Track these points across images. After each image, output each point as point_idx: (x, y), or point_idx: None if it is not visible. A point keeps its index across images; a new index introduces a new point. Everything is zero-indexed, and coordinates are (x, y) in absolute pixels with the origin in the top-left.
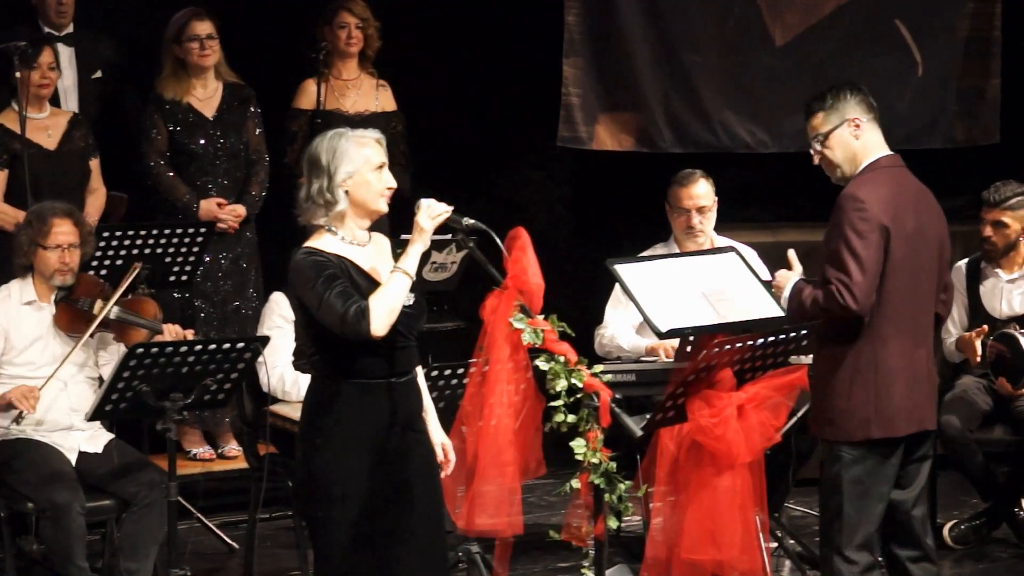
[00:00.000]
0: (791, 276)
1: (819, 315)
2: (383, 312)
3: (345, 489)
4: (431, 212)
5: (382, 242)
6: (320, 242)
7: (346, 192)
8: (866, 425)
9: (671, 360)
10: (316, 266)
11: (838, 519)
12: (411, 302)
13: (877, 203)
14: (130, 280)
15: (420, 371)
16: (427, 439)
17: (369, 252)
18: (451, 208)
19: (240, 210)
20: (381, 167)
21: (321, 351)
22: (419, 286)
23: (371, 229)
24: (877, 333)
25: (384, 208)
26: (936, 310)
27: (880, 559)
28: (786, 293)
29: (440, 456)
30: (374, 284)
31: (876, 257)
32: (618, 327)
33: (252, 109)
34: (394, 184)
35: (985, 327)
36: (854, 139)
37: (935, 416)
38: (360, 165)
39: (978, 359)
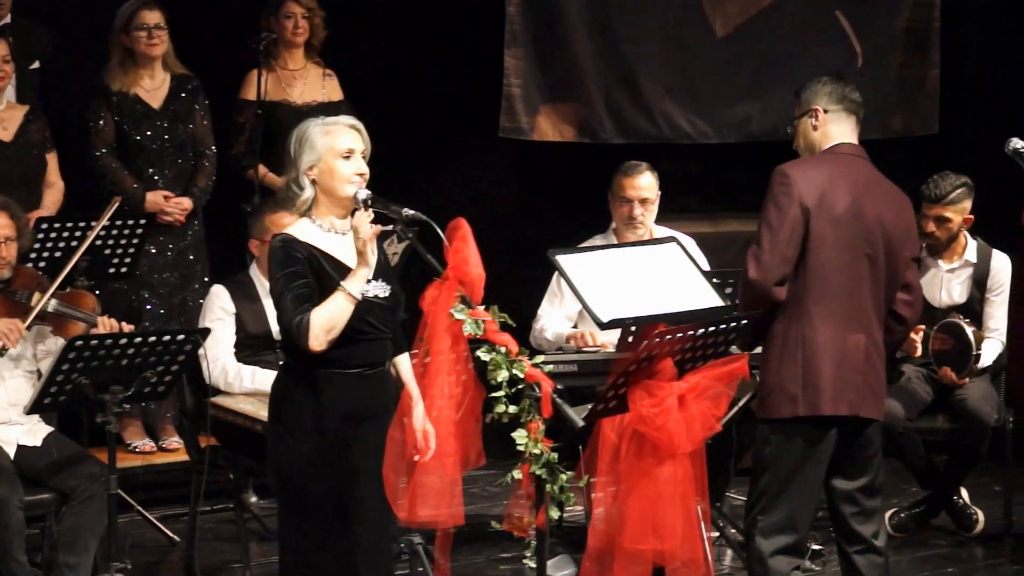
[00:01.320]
0: None
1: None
2: (321, 330)
3: (310, 478)
4: (362, 232)
5: None
6: (297, 229)
7: (312, 181)
8: (793, 402)
9: (605, 349)
10: (284, 259)
11: (762, 498)
12: (386, 294)
13: (803, 181)
14: (67, 271)
15: (406, 356)
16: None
17: (348, 241)
18: (380, 228)
19: (186, 203)
20: (349, 153)
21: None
22: (393, 276)
23: None
24: (805, 311)
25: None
26: (896, 308)
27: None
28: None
29: (420, 442)
30: (344, 272)
31: (789, 232)
32: (549, 320)
33: (199, 100)
34: (365, 171)
35: (923, 326)
36: (812, 129)
37: (877, 406)
38: (323, 153)
39: (918, 354)
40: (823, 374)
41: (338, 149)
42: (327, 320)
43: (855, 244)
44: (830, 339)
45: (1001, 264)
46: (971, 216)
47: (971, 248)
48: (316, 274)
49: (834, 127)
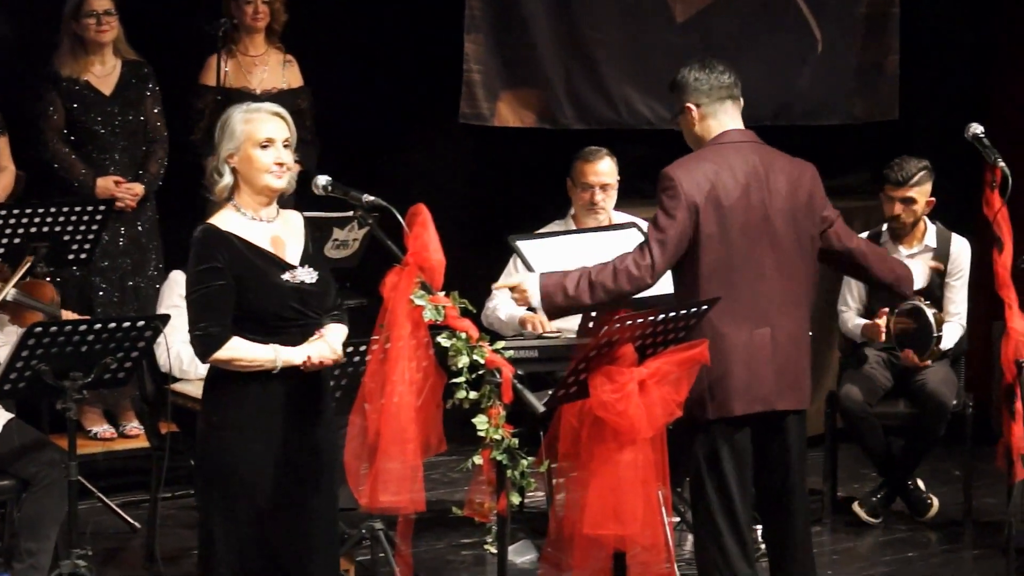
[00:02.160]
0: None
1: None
2: (227, 359)
3: (241, 468)
4: (317, 360)
5: (293, 219)
6: (220, 217)
7: (232, 168)
8: (704, 405)
9: (558, 334)
10: (202, 252)
11: (700, 503)
12: (313, 279)
13: (688, 180)
14: (28, 264)
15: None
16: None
17: (274, 228)
18: (323, 365)
19: (137, 188)
20: (269, 142)
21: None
22: (324, 263)
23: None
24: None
25: (274, 184)
26: (879, 276)
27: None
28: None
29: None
30: (266, 259)
31: (678, 238)
32: (502, 299)
33: (151, 86)
34: (286, 159)
35: (886, 309)
36: (692, 125)
37: (795, 396)
38: (242, 141)
39: (883, 338)
40: (732, 374)
41: (257, 137)
42: (239, 357)
43: (751, 235)
44: (734, 337)
45: (961, 248)
46: (932, 199)
47: (931, 233)
48: (238, 263)
49: (712, 120)
